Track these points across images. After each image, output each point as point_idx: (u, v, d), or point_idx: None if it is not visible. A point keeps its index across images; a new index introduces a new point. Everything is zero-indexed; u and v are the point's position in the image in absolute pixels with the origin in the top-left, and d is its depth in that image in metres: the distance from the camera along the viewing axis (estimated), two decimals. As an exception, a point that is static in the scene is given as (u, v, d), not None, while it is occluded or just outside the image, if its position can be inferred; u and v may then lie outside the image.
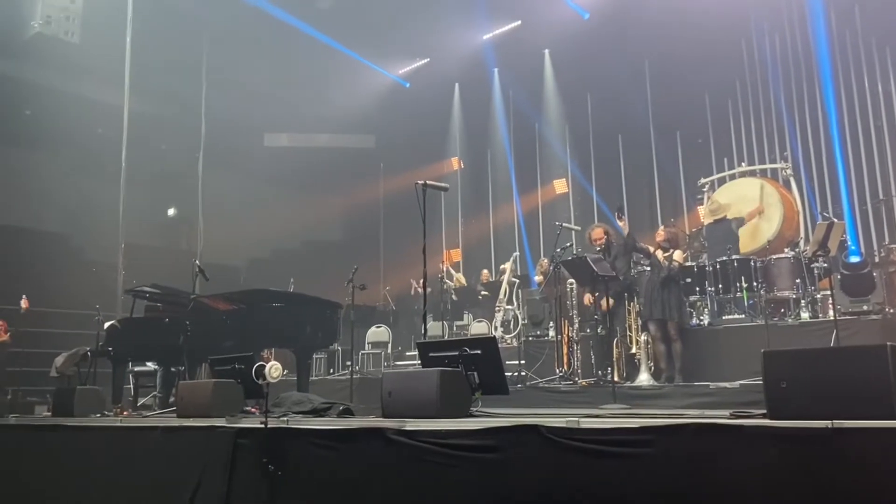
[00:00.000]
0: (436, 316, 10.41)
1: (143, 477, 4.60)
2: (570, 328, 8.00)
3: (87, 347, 8.29)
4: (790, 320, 7.49)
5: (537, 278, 11.26)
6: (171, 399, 7.35)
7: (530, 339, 9.23)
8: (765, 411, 2.97)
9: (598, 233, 7.79)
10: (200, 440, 4.35)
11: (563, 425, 3.19)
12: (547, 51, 14.47)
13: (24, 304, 10.21)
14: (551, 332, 9.09)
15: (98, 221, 12.99)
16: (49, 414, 7.56)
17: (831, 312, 6.99)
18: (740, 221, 9.28)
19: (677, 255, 7.53)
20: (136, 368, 8.69)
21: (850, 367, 2.76)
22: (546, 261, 11.36)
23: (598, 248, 7.69)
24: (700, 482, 2.74)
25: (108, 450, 4.95)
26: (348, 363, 10.26)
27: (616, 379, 6.85)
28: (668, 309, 7.16)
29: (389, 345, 11.48)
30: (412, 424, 3.62)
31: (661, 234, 7.66)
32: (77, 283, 12.04)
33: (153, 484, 4.49)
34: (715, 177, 10.64)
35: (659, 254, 7.39)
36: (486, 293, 11.65)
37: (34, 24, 12.41)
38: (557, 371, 7.89)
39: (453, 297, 11.74)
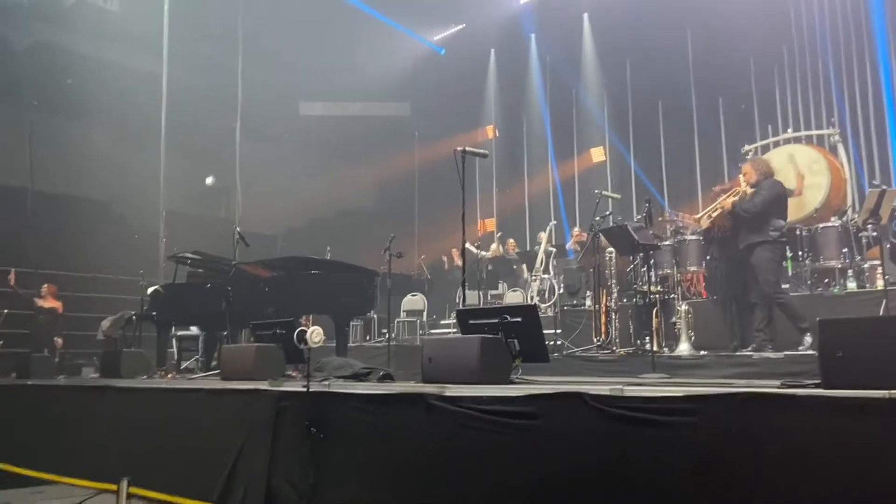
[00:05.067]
0: (471, 285, 10.40)
1: (189, 438, 4.69)
2: (609, 297, 7.92)
3: (132, 312, 8.49)
4: (836, 290, 7.31)
5: (571, 246, 11.17)
6: (213, 363, 7.51)
7: (566, 308, 9.17)
8: (818, 381, 2.89)
9: None
10: (244, 403, 4.42)
11: (607, 393, 3.16)
12: (586, 15, 14.16)
13: (11, 280, 10.52)
14: (588, 302, 9.03)
15: (139, 190, 13.20)
16: (97, 376, 7.78)
17: (879, 282, 6.80)
18: (789, 192, 9.02)
19: None
20: (179, 333, 8.87)
21: (909, 336, 2.67)
22: (578, 230, 11.27)
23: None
24: (750, 452, 2.69)
25: (155, 411, 5.06)
26: (384, 331, 10.34)
27: (655, 348, 6.77)
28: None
29: (424, 313, 11.53)
30: (453, 390, 3.62)
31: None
32: (119, 250, 12.30)
33: (198, 444, 4.58)
34: (759, 144, 10.36)
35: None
36: (517, 266, 11.60)
37: (74, -8, 12.53)
38: (595, 340, 7.84)
39: (489, 266, 11.70)
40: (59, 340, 10.57)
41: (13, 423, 6.44)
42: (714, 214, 6.91)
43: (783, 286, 7.25)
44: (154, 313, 7.60)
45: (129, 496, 3.32)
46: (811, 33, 11.65)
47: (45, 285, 11.01)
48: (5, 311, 10.44)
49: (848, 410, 2.53)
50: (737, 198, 6.79)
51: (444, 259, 12.50)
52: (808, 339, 6.26)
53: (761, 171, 6.82)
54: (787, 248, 7.09)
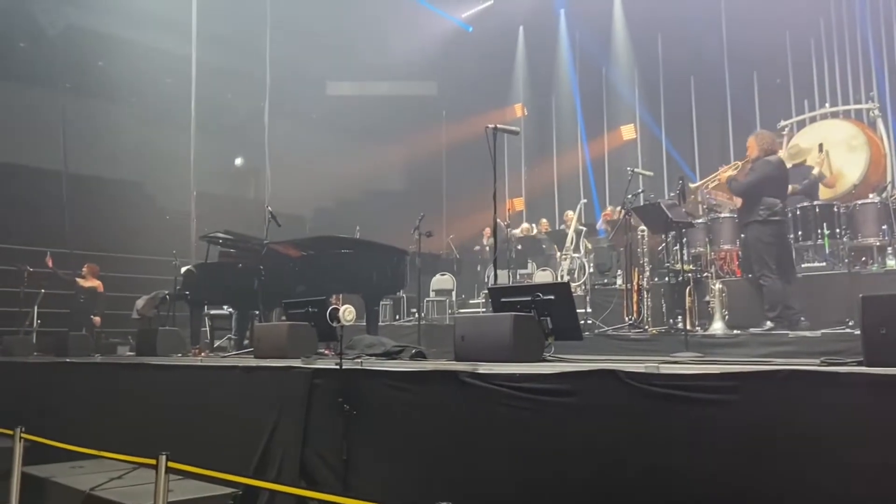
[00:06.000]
0: (500, 264, 10.35)
1: (224, 413, 4.76)
2: (640, 276, 7.84)
3: (166, 291, 8.62)
4: (874, 268, 7.15)
5: (601, 226, 11.07)
6: (246, 341, 7.60)
7: (597, 287, 9.11)
8: (860, 359, 2.83)
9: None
10: (278, 380, 4.46)
11: (642, 370, 3.12)
12: (617, -11, 13.91)
13: (49, 262, 10.73)
14: (619, 281, 8.95)
15: (169, 170, 13.35)
16: (132, 353, 7.92)
17: (920, 260, 6.65)
18: (822, 175, 8.83)
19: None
20: (212, 311, 8.99)
21: (957, 313, 2.59)
22: (611, 208, 11.14)
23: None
24: (789, 430, 2.64)
25: (191, 388, 5.14)
26: (413, 310, 10.37)
27: (688, 327, 6.70)
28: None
29: (454, 292, 11.54)
30: (485, 368, 3.61)
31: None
32: (151, 230, 12.49)
33: (233, 421, 4.64)
34: (795, 119, 10.14)
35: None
36: (547, 245, 11.54)
37: (104, -25, 12.62)
38: (626, 319, 7.78)
39: (518, 245, 11.66)
40: (97, 319, 10.79)
41: (53, 399, 6.60)
42: (711, 185, 6.94)
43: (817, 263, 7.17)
44: (187, 293, 7.69)
45: (168, 470, 3.38)
46: (849, 4, 11.30)
47: (87, 265, 11.23)
48: (42, 290, 10.68)
49: (892, 388, 2.47)
50: (734, 172, 6.79)
51: (486, 233, 12.37)
52: (768, 323, 6.46)
53: (762, 148, 6.80)
54: (784, 227, 6.93)
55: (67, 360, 6.97)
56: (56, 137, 12.78)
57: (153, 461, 3.40)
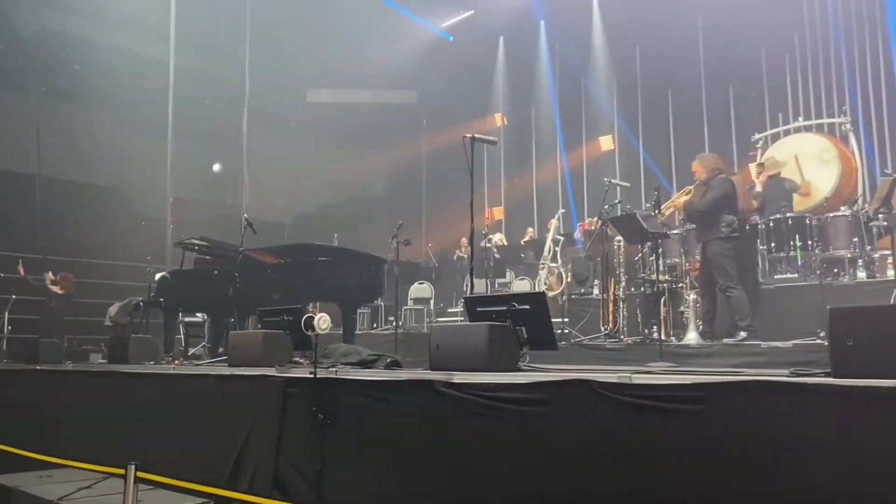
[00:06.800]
0: (478, 273, 10.38)
1: (196, 423, 4.71)
2: (617, 286, 7.90)
3: (140, 298, 8.52)
4: (846, 280, 7.27)
5: (577, 236, 11.14)
6: (220, 349, 7.53)
7: (574, 297, 9.15)
8: (828, 370, 2.87)
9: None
10: (251, 389, 4.43)
11: (615, 380, 3.14)
12: (596, 1, 14.03)
13: (20, 269, 10.59)
14: (595, 291, 9.00)
15: (146, 176, 13.24)
16: (104, 361, 7.81)
17: (890, 272, 6.77)
18: (794, 186, 8.98)
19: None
20: (186, 319, 8.89)
21: (921, 325, 2.64)
22: (589, 221, 11.21)
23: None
24: (759, 441, 2.67)
25: (163, 396, 5.08)
26: (391, 318, 10.34)
27: (663, 337, 6.75)
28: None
29: (432, 301, 11.52)
30: (461, 377, 3.61)
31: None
32: (127, 236, 12.36)
33: (206, 429, 4.59)
34: (769, 132, 10.28)
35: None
36: (526, 254, 11.59)
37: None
38: (602, 329, 7.82)
39: (496, 254, 11.68)
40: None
41: (22, 407, 6.48)
42: (667, 213, 7.08)
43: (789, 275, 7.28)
44: (161, 299, 7.61)
45: (137, 480, 3.34)
46: (823, 20, 11.53)
47: (60, 274, 11.08)
48: (13, 297, 10.51)
49: (858, 399, 2.51)
50: (688, 196, 6.92)
51: (463, 242, 12.38)
52: (742, 333, 6.53)
53: (709, 169, 7.00)
54: (741, 242, 7.04)
55: (38, 367, 6.85)
56: (30, 141, 12.61)
57: (122, 471, 3.35)
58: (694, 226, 7.54)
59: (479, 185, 15.49)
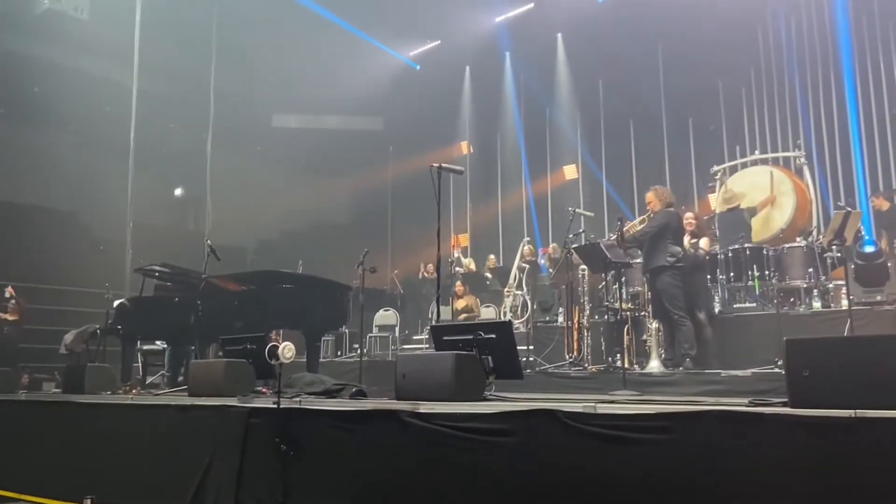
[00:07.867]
0: (444, 300, 10.38)
1: (155, 455, 4.60)
2: (581, 314, 7.97)
3: (97, 325, 8.31)
4: (802, 309, 7.45)
5: (543, 262, 11.24)
6: (180, 378, 7.38)
7: (539, 325, 9.21)
8: (785, 400, 2.94)
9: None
10: (212, 419, 4.35)
11: (580, 410, 3.17)
12: (560, 34, 14.35)
13: (9, 291, 10.32)
14: (560, 318, 9.07)
15: (106, 200, 12.99)
16: (58, 390, 7.58)
17: (844, 302, 6.96)
18: (752, 211, 9.23)
19: (703, 243, 7.52)
20: (145, 347, 8.70)
21: (875, 356, 2.72)
22: (553, 247, 11.33)
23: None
24: (719, 470, 2.72)
25: (120, 427, 4.95)
26: (356, 346, 10.26)
27: (626, 365, 6.82)
28: (696, 297, 7.15)
29: (397, 328, 11.47)
30: (426, 407, 3.61)
31: (691, 221, 7.59)
32: (85, 261, 12.08)
33: (165, 462, 4.49)
34: (727, 164, 10.56)
35: (686, 240, 7.30)
36: (489, 279, 11.65)
37: (44, 1, 12.35)
38: (567, 357, 7.88)
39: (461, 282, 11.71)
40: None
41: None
42: (613, 238, 7.33)
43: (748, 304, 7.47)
44: (119, 327, 7.44)
45: (93, 515, 3.24)
46: (778, 55, 11.95)
47: (14, 300, 10.77)
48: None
49: (814, 429, 2.58)
50: (642, 226, 7.23)
51: (422, 266, 12.40)
52: (688, 362, 6.73)
53: (663, 201, 7.25)
54: (686, 271, 7.15)
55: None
56: (-13, 164, 12.32)
57: (77, 505, 3.26)
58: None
59: (446, 212, 15.55)
